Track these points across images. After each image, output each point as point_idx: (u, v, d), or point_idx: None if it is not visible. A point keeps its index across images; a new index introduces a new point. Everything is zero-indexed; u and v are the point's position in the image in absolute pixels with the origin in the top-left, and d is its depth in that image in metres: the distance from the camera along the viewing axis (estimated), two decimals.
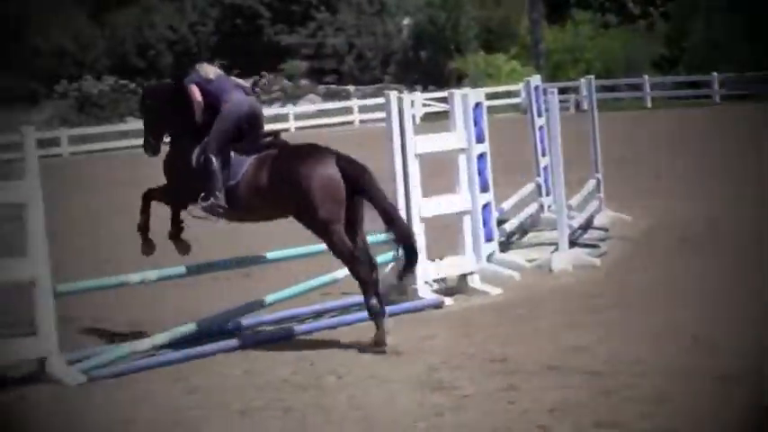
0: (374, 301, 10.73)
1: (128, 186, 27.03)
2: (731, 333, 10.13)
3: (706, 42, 52.81)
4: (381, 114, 31.01)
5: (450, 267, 12.98)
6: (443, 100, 36.45)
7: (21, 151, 10.31)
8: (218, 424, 8.53)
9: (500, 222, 15.03)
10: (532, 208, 16.62)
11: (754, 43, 49.55)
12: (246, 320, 11.74)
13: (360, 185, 10.92)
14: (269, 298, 11.73)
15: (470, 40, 56.65)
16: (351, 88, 52.75)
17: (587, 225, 16.45)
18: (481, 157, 13.66)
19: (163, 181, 12.19)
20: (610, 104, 44.82)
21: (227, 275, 14.15)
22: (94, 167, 33.36)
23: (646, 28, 58.50)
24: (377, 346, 10.57)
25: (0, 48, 54.94)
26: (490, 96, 20.93)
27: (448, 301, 12.46)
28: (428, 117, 42.44)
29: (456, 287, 12.98)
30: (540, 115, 16.72)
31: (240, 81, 12.48)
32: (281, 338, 11.23)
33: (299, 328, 11.58)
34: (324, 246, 11.22)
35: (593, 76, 18.94)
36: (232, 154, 11.47)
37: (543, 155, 16.65)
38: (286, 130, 42.54)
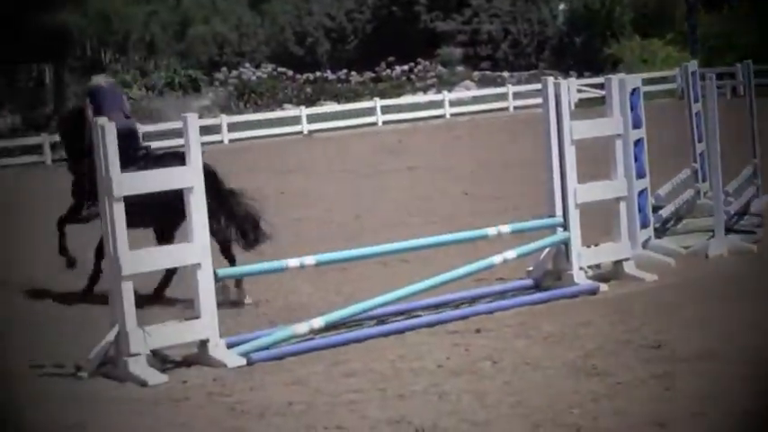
0: None
1: (287, 173, 27.46)
2: None
3: None
4: (536, 100, 30.91)
5: (605, 253, 12.93)
6: (599, 86, 36.26)
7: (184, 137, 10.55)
8: (375, 408, 8.63)
9: (656, 208, 14.90)
10: (688, 194, 16.43)
11: None
12: (403, 305, 11.84)
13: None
14: (425, 283, 11.81)
15: (625, 25, 55.94)
16: (505, 74, 52.55)
17: (744, 211, 16.19)
18: (638, 142, 13.57)
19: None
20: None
21: (384, 260, 14.29)
22: (254, 154, 33.86)
23: None
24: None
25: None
26: (646, 82, 20.69)
27: (603, 287, 12.42)
28: (582, 103, 42.08)
29: (611, 273, 12.91)
30: (696, 101, 16.52)
31: (124, 100, 14.52)
32: (437, 323, 11.32)
33: (454, 313, 11.66)
34: (480, 232, 11.38)
35: (750, 61, 18.59)
36: None
37: (699, 140, 16.47)
38: (441, 116, 42.64)
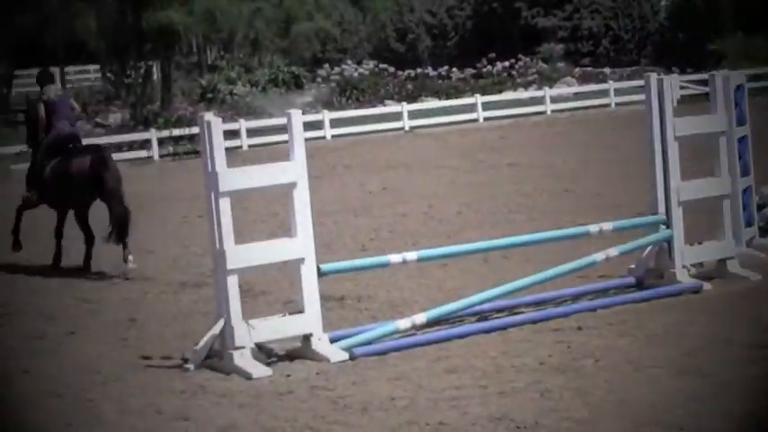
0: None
1: (389, 169, 27.56)
2: None
3: None
4: (638, 97, 30.63)
5: (708, 252, 12.83)
6: (702, 82, 35.81)
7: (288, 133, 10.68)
8: (476, 404, 8.67)
9: (760, 207, 14.73)
10: None
11: None
12: (505, 301, 11.86)
13: (99, 176, 15.45)
14: (527, 280, 11.82)
15: (728, 21, 55.15)
16: (607, 70, 52.12)
17: None
18: (742, 140, 13.43)
19: None
20: None
21: (485, 256, 14.32)
22: (356, 150, 34.03)
23: None
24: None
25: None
26: (750, 78, 20.47)
27: (706, 285, 12.32)
28: (685, 100, 41.61)
29: (714, 272, 12.80)
30: None
31: (74, 106, 17.21)
32: (539, 320, 11.33)
33: (556, 310, 11.66)
34: (582, 229, 11.36)
35: None
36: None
37: None
38: (542, 112, 42.46)
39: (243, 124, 37.74)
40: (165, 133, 35.90)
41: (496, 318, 11.51)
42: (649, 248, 12.56)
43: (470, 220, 18.53)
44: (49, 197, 16.40)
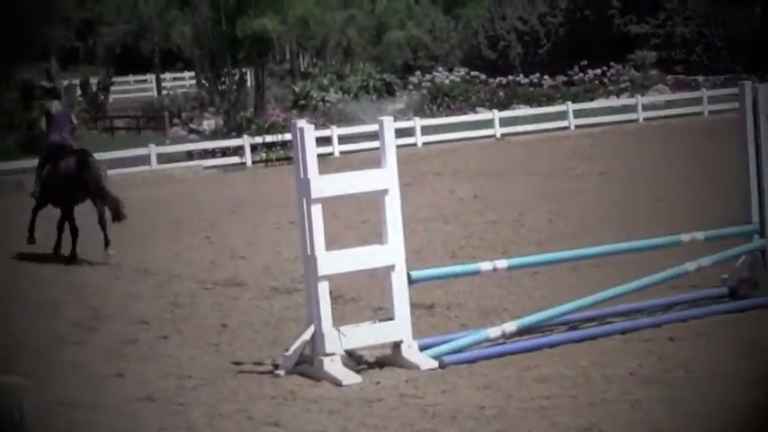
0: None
1: (480, 176, 27.52)
2: None
3: None
4: (732, 105, 30.23)
5: None
6: None
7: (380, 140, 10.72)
8: (565, 414, 8.64)
9: None
10: None
11: None
12: (595, 311, 11.80)
13: (81, 176, 17.83)
14: (618, 289, 11.74)
15: None
16: (700, 78, 51.54)
17: None
18: None
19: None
20: None
21: (575, 265, 14.24)
22: (447, 157, 34.03)
23: None
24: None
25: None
26: None
27: None
28: None
29: None
30: None
31: (73, 120, 19.76)
32: (630, 330, 11.25)
33: (647, 320, 11.57)
34: (674, 238, 11.28)
35: None
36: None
37: None
38: (634, 120, 42.14)
39: (335, 131, 37.92)
40: (258, 139, 36.15)
41: (587, 327, 11.45)
42: (743, 258, 12.42)
43: (561, 228, 18.46)
44: (47, 196, 18.76)
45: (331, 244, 10.74)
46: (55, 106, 19.59)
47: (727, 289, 12.43)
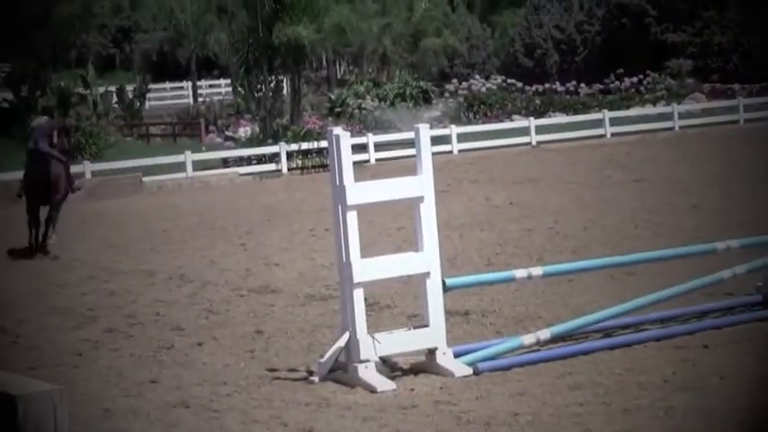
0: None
1: (516, 184, 27.51)
2: None
3: None
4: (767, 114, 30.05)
5: None
6: None
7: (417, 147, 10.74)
8: (599, 421, 8.63)
9: None
10: None
11: None
12: (630, 318, 11.78)
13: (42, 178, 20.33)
14: (653, 296, 11.72)
15: None
16: (736, 86, 51.36)
17: None
18: None
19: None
20: None
21: (610, 273, 14.22)
22: (483, 164, 34.04)
23: None
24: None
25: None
26: None
27: None
28: None
29: None
30: None
31: (51, 134, 21.02)
32: (664, 338, 11.23)
33: (681, 327, 11.55)
34: (709, 246, 11.25)
35: None
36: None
37: None
38: (670, 128, 42.01)
39: (370, 138, 38.00)
40: (294, 147, 36.27)
41: (621, 334, 11.44)
42: None
43: (596, 235, 18.43)
44: (27, 195, 21.00)
45: (366, 251, 10.77)
46: (37, 121, 24.35)
47: (762, 297, 12.39)
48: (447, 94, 51.68)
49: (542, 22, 64.39)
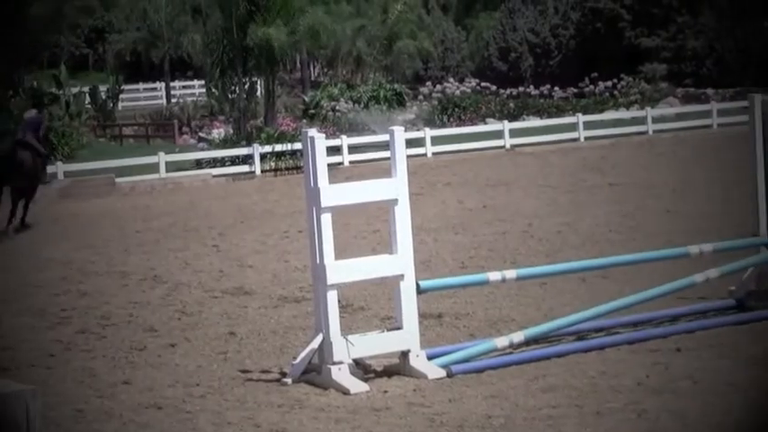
0: None
1: (489, 187, 27.54)
2: None
3: None
4: (741, 118, 30.17)
5: None
6: None
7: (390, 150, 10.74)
8: (572, 424, 8.66)
9: None
10: None
11: None
12: (603, 321, 11.81)
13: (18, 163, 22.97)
14: (626, 300, 11.76)
15: None
16: (710, 91, 51.54)
17: None
18: None
19: None
20: None
21: (584, 276, 14.27)
22: (457, 167, 34.06)
23: None
24: None
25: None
26: None
27: None
28: None
29: None
30: None
31: (39, 128, 23.89)
32: (637, 341, 11.27)
33: (654, 331, 11.59)
34: (682, 250, 11.31)
35: None
36: None
37: None
38: (644, 132, 42.13)
39: (344, 140, 37.96)
40: (268, 148, 36.18)
41: (594, 337, 11.48)
42: (750, 270, 12.43)
43: (570, 239, 18.47)
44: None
45: (340, 253, 10.76)
46: (27, 113, 25.23)
47: (735, 301, 12.45)
48: (421, 97, 51.64)
49: (517, 25, 64.48)
